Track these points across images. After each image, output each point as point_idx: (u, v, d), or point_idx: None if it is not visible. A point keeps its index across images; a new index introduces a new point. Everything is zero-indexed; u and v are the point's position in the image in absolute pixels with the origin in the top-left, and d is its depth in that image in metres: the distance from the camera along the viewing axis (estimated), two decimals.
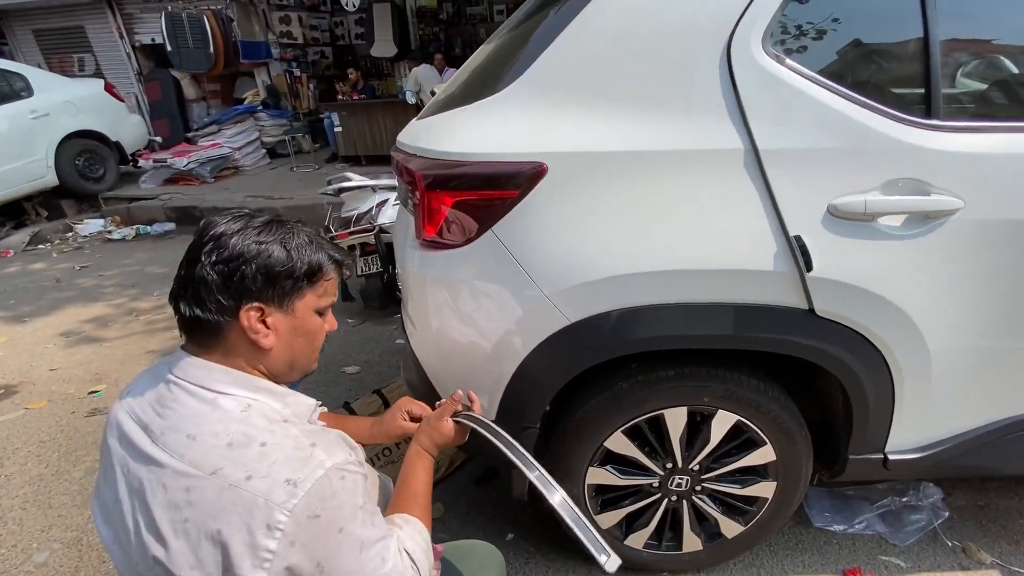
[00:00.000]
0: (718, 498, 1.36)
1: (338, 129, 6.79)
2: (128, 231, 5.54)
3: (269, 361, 0.77)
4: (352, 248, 3.05)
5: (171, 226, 5.68)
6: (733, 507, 1.37)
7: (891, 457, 1.26)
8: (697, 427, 1.25)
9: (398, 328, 3.04)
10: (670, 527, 1.40)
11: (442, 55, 6.57)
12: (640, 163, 1.05)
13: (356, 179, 2.97)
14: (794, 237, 1.03)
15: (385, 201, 2.96)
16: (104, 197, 6.30)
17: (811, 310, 1.07)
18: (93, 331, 3.32)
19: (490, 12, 9.02)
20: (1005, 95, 1.17)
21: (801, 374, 1.27)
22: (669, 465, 1.30)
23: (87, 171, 6.24)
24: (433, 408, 1.03)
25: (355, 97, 6.97)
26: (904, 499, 1.61)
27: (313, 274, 0.77)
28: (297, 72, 7.94)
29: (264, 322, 0.74)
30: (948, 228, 1.04)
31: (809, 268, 1.03)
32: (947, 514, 1.58)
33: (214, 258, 0.71)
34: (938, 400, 1.19)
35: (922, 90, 1.05)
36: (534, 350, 1.15)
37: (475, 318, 1.18)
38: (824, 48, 1.07)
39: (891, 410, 1.19)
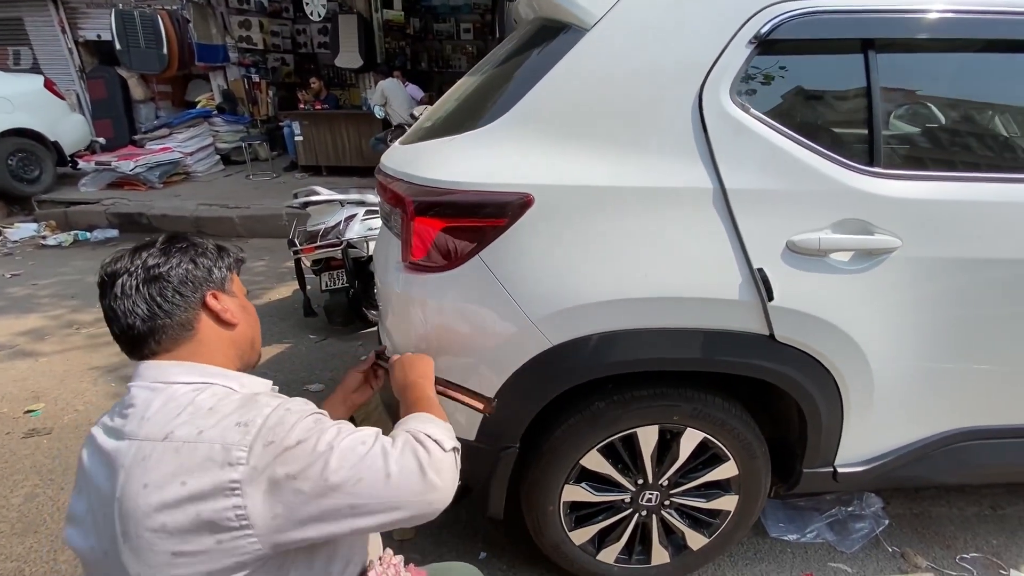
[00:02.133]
0: (685, 512, 1.43)
1: (299, 138, 6.66)
2: (65, 237, 5.20)
3: (238, 340, 0.86)
4: (317, 263, 3.01)
5: (114, 232, 5.39)
6: (698, 520, 1.45)
7: (840, 470, 1.37)
8: (667, 444, 1.33)
9: (363, 345, 3.02)
10: (640, 541, 1.46)
11: (400, 70, 6.59)
12: (620, 198, 1.12)
13: (324, 193, 2.94)
14: (757, 269, 1.12)
15: (353, 216, 2.94)
16: (38, 200, 5.90)
17: (771, 336, 1.17)
18: (28, 345, 3.10)
19: (457, 30, 9.15)
20: (937, 147, 1.32)
21: (758, 394, 1.37)
22: (640, 481, 1.36)
23: (21, 172, 5.84)
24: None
25: (318, 106, 6.87)
26: (849, 508, 1.74)
27: (234, 257, 0.90)
28: (256, 78, 7.75)
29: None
30: (888, 264, 1.17)
31: (771, 298, 1.12)
32: (887, 522, 1.72)
33: (161, 265, 0.80)
34: (879, 417, 1.31)
35: (866, 139, 1.18)
36: (517, 371, 1.19)
37: (458, 340, 1.21)
38: (783, 99, 1.19)
39: (840, 427, 1.31)
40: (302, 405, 0.79)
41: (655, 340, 1.16)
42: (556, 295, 1.13)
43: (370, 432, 0.78)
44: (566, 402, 1.26)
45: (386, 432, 0.83)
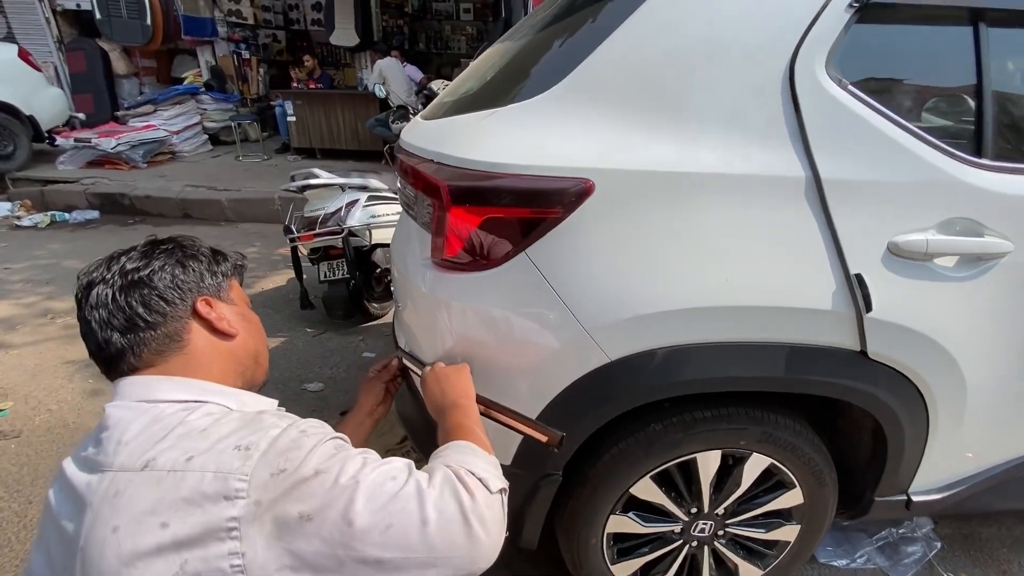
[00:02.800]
0: (739, 542, 1.28)
1: (291, 118, 6.37)
2: (41, 217, 4.90)
3: (237, 353, 0.75)
4: (316, 251, 2.80)
5: (94, 214, 5.09)
6: (753, 551, 1.30)
7: (914, 499, 1.23)
8: (727, 470, 1.17)
9: (364, 340, 2.83)
10: (687, 573, 1.31)
11: (399, 50, 6.30)
12: (697, 187, 0.94)
13: (324, 176, 2.71)
14: (855, 275, 0.96)
15: (355, 202, 2.73)
16: (12, 178, 5.57)
17: (863, 352, 1.01)
18: None
19: (456, 9, 8.84)
20: None
21: (821, 414, 1.22)
22: (694, 510, 1.21)
23: None
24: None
25: (312, 86, 6.57)
26: (901, 530, 1.61)
27: (232, 262, 0.81)
28: (246, 55, 7.41)
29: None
30: (997, 270, 1.01)
31: (869, 308, 0.96)
32: (939, 544, 1.59)
33: (142, 269, 0.70)
34: (964, 441, 1.17)
35: (974, 126, 1.01)
36: (565, 390, 1.02)
37: (497, 352, 1.04)
38: (884, 75, 1.02)
39: (922, 452, 1.16)
40: (319, 427, 0.66)
41: (732, 356, 0.99)
42: (618, 302, 0.96)
43: (400, 465, 0.64)
44: (616, 424, 1.09)
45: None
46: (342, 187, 2.75)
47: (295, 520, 0.57)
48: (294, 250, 2.80)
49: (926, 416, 1.10)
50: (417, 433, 1.27)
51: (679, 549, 1.26)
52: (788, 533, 1.26)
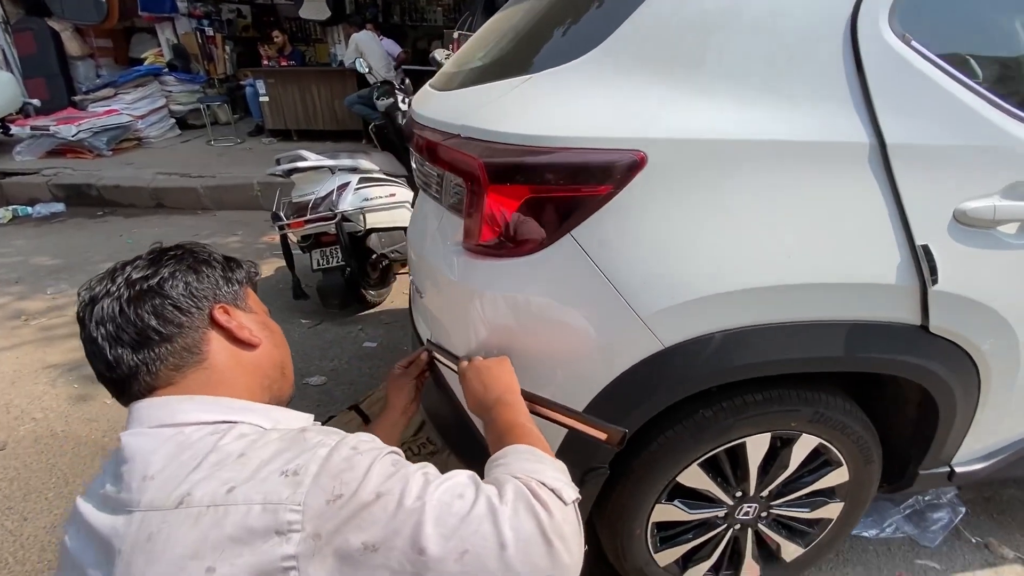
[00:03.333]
0: (782, 523, 1.26)
1: (264, 98, 6.07)
2: (2, 213, 4.61)
3: (262, 364, 0.69)
4: (306, 238, 2.67)
5: (59, 207, 4.80)
6: (795, 530, 1.27)
7: (957, 470, 1.21)
8: (774, 452, 1.13)
9: (363, 329, 2.73)
10: (729, 556, 1.28)
11: (373, 23, 5.98)
12: (754, 156, 0.87)
13: (312, 159, 2.56)
14: (921, 246, 0.90)
15: (346, 184, 2.59)
16: None
17: (924, 327, 0.96)
18: None
19: None
20: None
21: (864, 390, 1.18)
22: (739, 494, 1.17)
23: None
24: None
25: (283, 63, 6.24)
26: (927, 498, 1.61)
27: (247, 270, 0.76)
28: (209, 31, 6.99)
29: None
30: None
31: (935, 282, 0.91)
32: (964, 510, 1.60)
33: (151, 277, 0.65)
34: (1011, 412, 1.15)
35: None
36: (615, 380, 0.95)
37: (538, 342, 0.96)
38: (949, 33, 0.95)
39: (969, 423, 1.13)
40: (370, 441, 0.59)
41: (790, 337, 0.94)
42: (672, 285, 0.89)
43: (465, 479, 0.57)
44: (663, 413, 1.03)
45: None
46: (331, 169, 2.61)
47: (358, 551, 0.50)
48: (283, 238, 2.66)
49: (978, 388, 1.07)
50: (447, 430, 1.20)
51: (723, 533, 1.23)
52: (832, 511, 1.23)
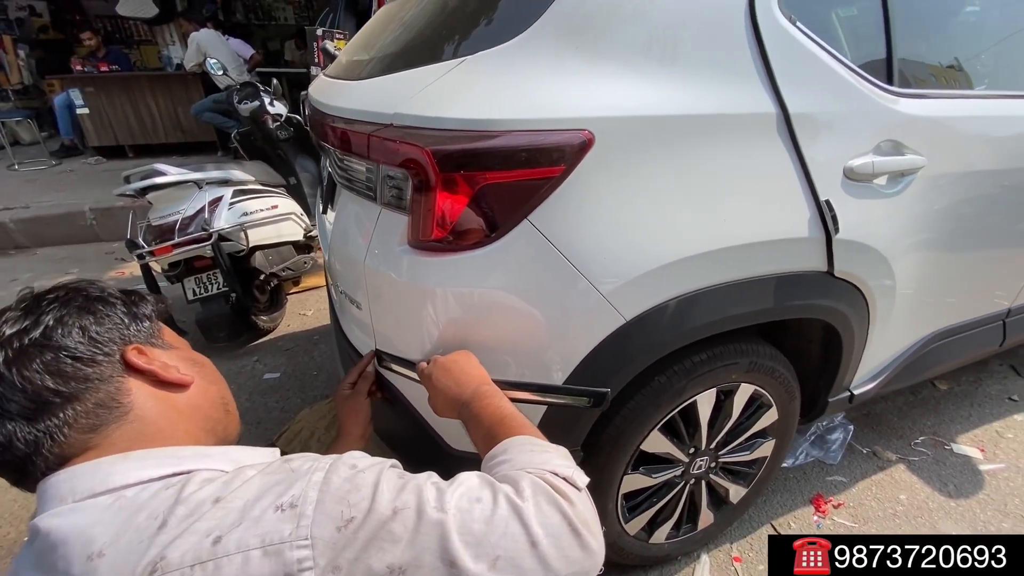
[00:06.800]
0: (728, 469, 1.36)
1: (83, 110, 5.14)
2: None
3: (199, 404, 0.61)
4: (175, 266, 2.31)
5: None
6: (739, 473, 1.39)
7: (855, 392, 1.41)
8: (720, 405, 1.21)
9: (259, 361, 2.44)
10: (689, 512, 1.36)
11: (213, 20, 5.35)
12: (687, 130, 0.91)
13: (173, 172, 2.20)
14: (824, 201, 1.02)
15: (218, 199, 2.29)
16: None
17: (830, 272, 1.10)
18: None
19: None
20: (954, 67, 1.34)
21: (774, 337, 1.32)
22: (692, 450, 1.24)
23: None
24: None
25: (102, 68, 5.33)
26: (824, 423, 1.86)
27: (153, 302, 0.66)
28: None
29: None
30: (916, 183, 1.16)
31: (837, 231, 1.04)
32: (851, 427, 1.87)
33: (31, 329, 0.53)
34: (890, 334, 1.36)
35: (885, 57, 1.13)
36: (582, 361, 0.95)
37: (506, 333, 0.93)
38: (821, 14, 1.08)
39: (862, 351, 1.32)
40: (363, 456, 0.54)
41: (732, 296, 1.01)
42: (627, 259, 0.91)
43: (476, 481, 0.55)
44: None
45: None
46: (198, 184, 2.28)
47: (384, 571, 0.45)
48: (145, 268, 2.28)
49: (868, 320, 1.25)
50: (406, 445, 1.12)
51: (681, 491, 1.30)
52: (766, 449, 1.36)
